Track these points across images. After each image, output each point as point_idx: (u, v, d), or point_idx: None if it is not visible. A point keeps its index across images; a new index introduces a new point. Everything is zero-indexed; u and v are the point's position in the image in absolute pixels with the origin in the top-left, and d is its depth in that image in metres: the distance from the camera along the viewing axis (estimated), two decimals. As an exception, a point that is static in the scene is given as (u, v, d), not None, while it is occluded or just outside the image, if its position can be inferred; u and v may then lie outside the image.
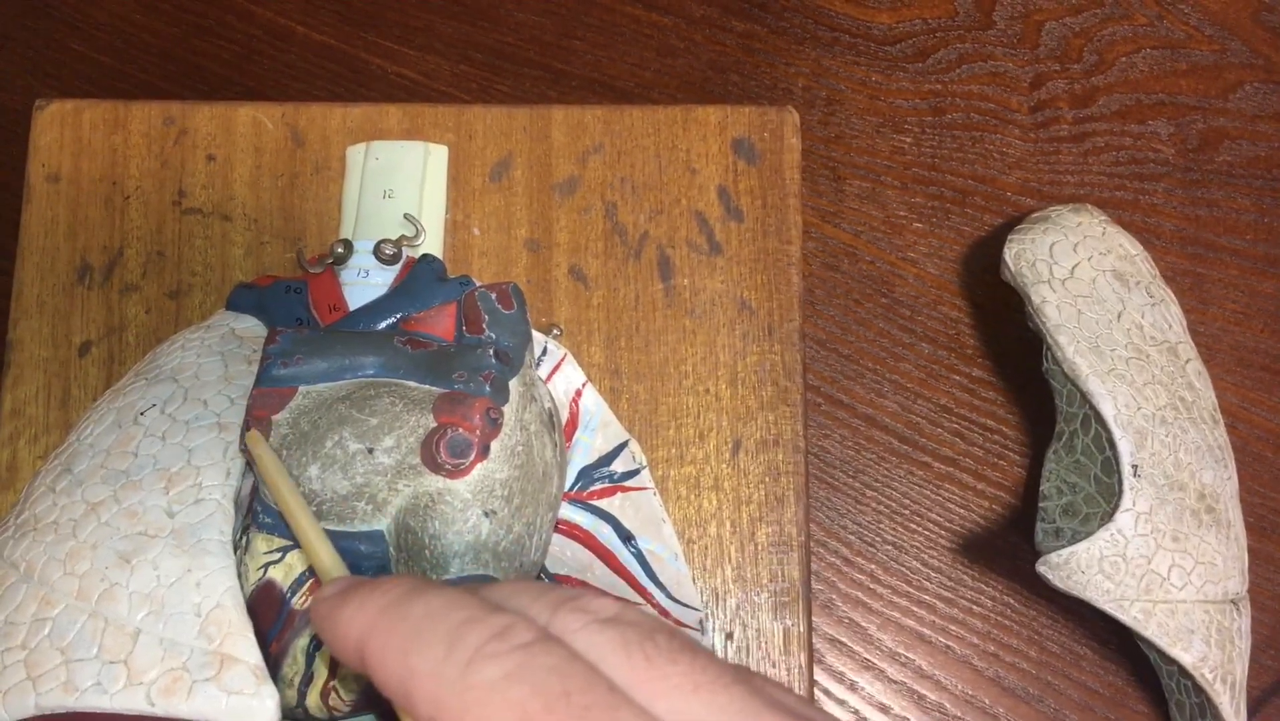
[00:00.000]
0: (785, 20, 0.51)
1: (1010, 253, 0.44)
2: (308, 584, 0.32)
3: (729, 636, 0.42)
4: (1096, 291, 0.43)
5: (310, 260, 0.42)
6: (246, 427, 0.33)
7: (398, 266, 0.42)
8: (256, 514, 0.33)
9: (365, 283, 0.42)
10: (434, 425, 0.31)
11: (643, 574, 0.40)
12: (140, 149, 0.47)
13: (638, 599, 0.40)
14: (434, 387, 0.32)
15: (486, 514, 0.31)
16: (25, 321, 0.45)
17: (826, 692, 0.45)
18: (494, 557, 0.32)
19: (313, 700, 0.33)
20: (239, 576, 0.33)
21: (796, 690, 0.42)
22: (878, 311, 0.48)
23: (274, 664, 0.32)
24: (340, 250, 0.42)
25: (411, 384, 0.33)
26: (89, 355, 0.45)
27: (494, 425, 0.32)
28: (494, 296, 0.34)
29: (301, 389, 0.33)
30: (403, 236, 0.42)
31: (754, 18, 0.51)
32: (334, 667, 0.33)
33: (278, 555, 0.33)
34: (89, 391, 0.45)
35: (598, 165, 0.47)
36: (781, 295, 0.46)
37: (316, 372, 0.33)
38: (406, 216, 0.43)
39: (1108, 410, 0.40)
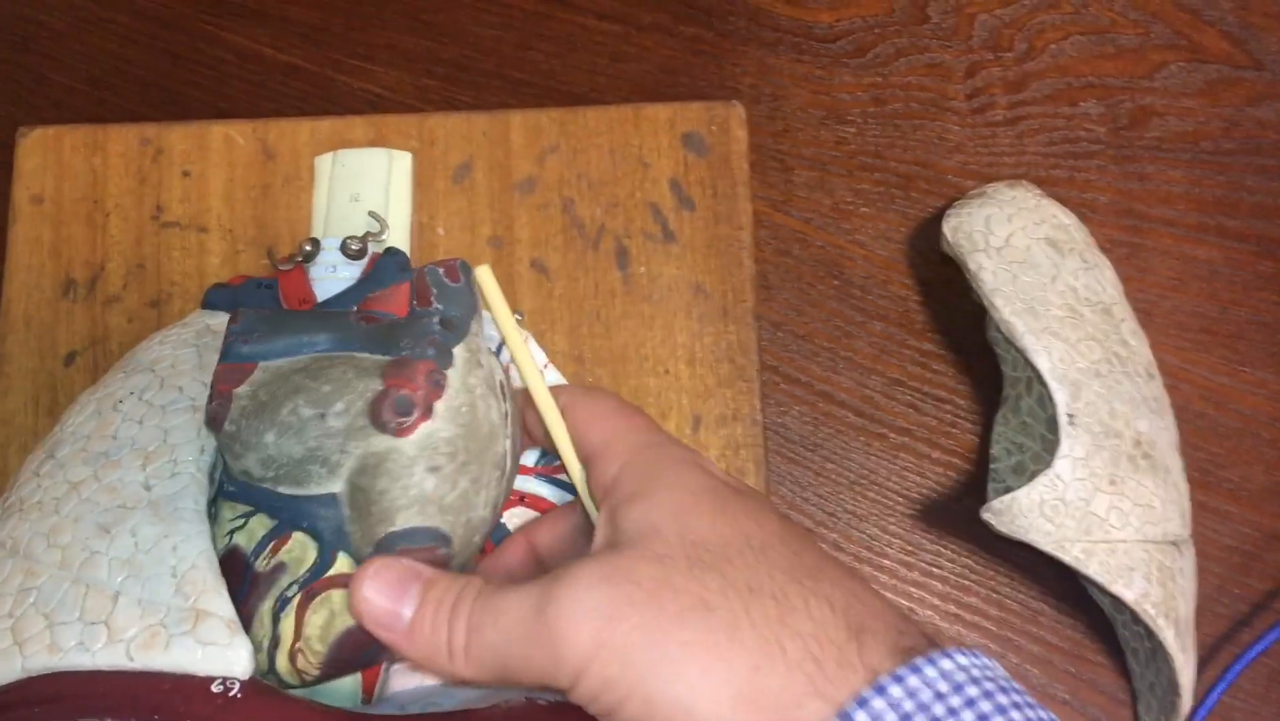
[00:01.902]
0: (730, 24, 0.54)
1: (949, 226, 0.46)
2: (270, 546, 0.34)
3: (696, 604, 0.44)
4: (1031, 257, 0.45)
5: (281, 259, 0.44)
6: (210, 401, 0.34)
7: (364, 261, 0.44)
8: (222, 484, 0.35)
9: (334, 277, 0.44)
10: (381, 388, 0.33)
11: (607, 541, 0.42)
12: (119, 169, 0.50)
13: (603, 566, 0.42)
14: (383, 357, 0.34)
15: (431, 469, 0.33)
16: (13, 335, 0.48)
17: (795, 658, 0.46)
18: (439, 511, 0.33)
19: (282, 663, 0.35)
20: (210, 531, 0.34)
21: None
22: (829, 293, 0.50)
23: (245, 626, 0.34)
24: (309, 248, 0.44)
25: (363, 355, 0.35)
26: (74, 364, 0.47)
27: (437, 386, 0.33)
28: (441, 271, 0.36)
29: (261, 364, 0.35)
30: (368, 233, 0.44)
31: (700, 22, 0.54)
32: (299, 629, 0.34)
33: (241, 521, 0.34)
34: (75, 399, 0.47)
35: (555, 164, 0.49)
36: (734, 278, 0.48)
37: (275, 349, 0.35)
38: (371, 214, 0.45)
39: (1043, 364, 0.42)
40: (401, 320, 0.36)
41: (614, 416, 0.34)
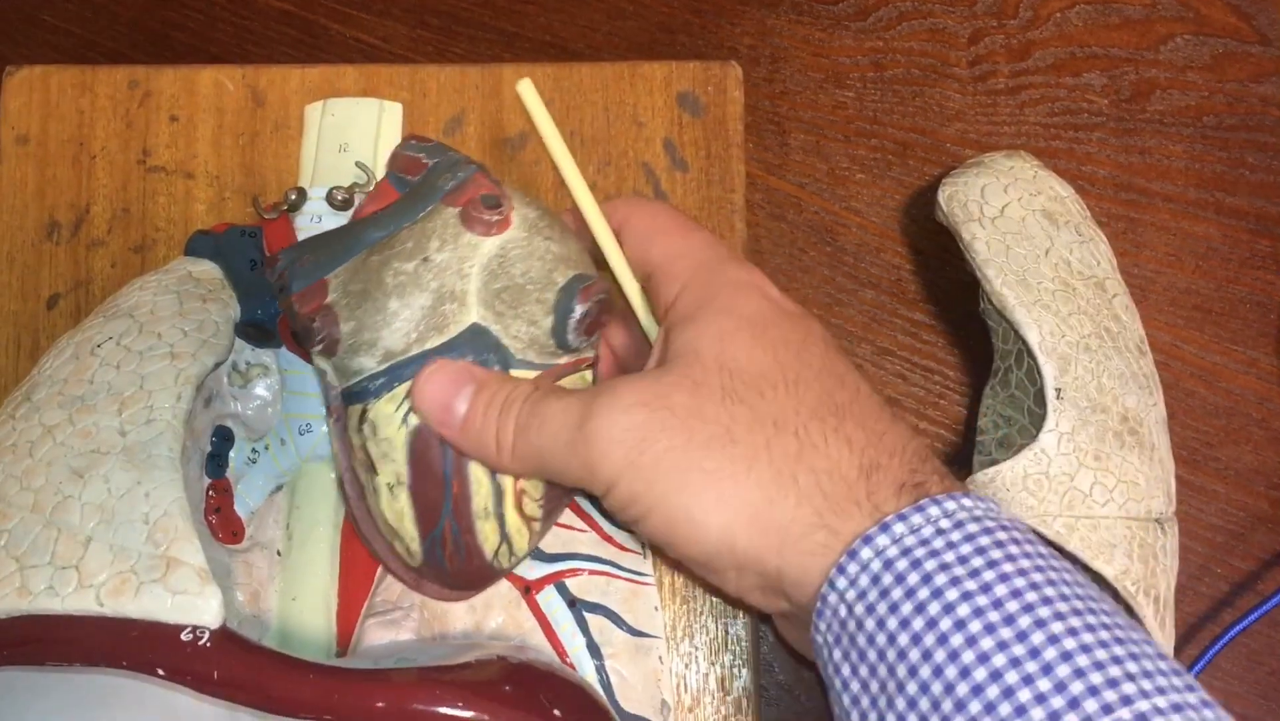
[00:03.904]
0: (731, -18, 0.53)
1: (944, 194, 0.45)
2: None
3: (676, 571, 0.44)
4: (1025, 229, 0.44)
5: (266, 207, 0.44)
6: (309, 325, 0.34)
7: (350, 212, 0.43)
8: (364, 392, 0.35)
9: (318, 228, 0.43)
10: (459, 208, 0.34)
11: (589, 503, 0.42)
12: (106, 111, 0.49)
13: (584, 527, 0.41)
14: (431, 204, 0.35)
15: (546, 238, 0.35)
16: (-5, 277, 0.47)
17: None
18: (575, 264, 0.35)
19: (511, 520, 0.35)
20: (370, 456, 0.35)
21: (744, 625, 0.43)
22: (822, 259, 0.50)
23: (463, 500, 0.34)
24: (294, 197, 0.43)
25: (409, 222, 0.35)
26: (57, 307, 0.47)
27: (499, 184, 0.35)
28: (414, 141, 0.37)
29: (330, 275, 0.35)
30: (354, 184, 0.44)
31: (700, -21, 0.53)
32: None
33: (407, 401, 0.34)
34: (57, 343, 0.47)
35: (548, 120, 0.49)
36: (725, 241, 0.47)
37: (332, 260, 0.35)
38: (358, 164, 0.45)
39: (1032, 337, 0.41)
40: (418, 179, 0.36)
41: (674, 232, 0.35)
